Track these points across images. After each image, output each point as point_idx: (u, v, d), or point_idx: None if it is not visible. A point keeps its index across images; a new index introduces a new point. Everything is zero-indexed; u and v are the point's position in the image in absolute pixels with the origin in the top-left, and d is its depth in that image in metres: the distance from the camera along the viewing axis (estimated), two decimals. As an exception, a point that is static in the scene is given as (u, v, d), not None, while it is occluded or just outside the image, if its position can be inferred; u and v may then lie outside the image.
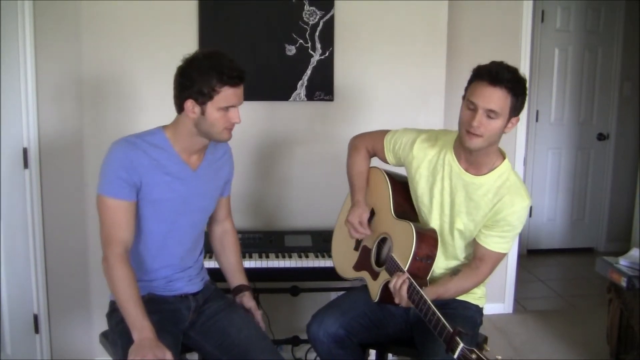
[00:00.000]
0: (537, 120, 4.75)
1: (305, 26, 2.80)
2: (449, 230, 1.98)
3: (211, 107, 1.77)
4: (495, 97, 1.74)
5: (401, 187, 2.09)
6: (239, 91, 1.79)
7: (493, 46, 3.44)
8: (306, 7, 2.78)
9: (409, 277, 1.79)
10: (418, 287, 1.75)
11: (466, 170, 1.92)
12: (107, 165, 1.79)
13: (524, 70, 3.49)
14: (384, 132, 2.13)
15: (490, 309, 3.56)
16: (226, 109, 1.78)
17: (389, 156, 2.11)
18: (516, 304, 3.78)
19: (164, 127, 1.89)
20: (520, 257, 3.84)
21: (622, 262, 2.73)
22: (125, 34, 2.70)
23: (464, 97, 1.85)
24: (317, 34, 2.81)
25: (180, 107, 1.81)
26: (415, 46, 2.92)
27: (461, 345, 1.54)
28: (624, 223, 4.58)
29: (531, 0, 3.46)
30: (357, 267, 2.14)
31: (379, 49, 2.90)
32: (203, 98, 1.76)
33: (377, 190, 2.14)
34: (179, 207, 1.89)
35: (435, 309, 1.68)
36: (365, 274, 2.08)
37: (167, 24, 2.73)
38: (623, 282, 2.64)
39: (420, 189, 2.01)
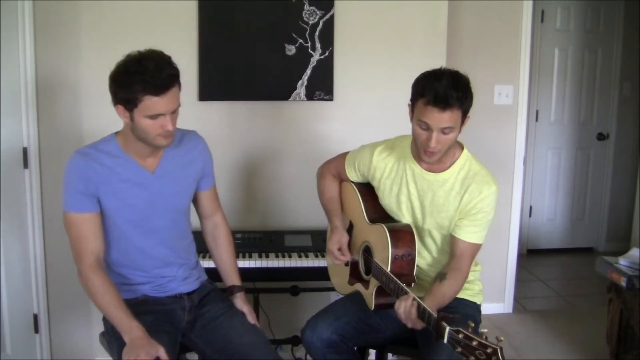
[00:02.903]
0: (537, 120, 4.75)
1: (305, 26, 2.80)
2: (427, 231, 1.99)
3: (138, 115, 1.70)
4: (447, 118, 1.76)
5: (372, 194, 2.11)
6: (165, 99, 1.68)
7: (493, 46, 3.44)
8: (306, 6, 2.78)
9: (415, 297, 1.73)
10: (422, 303, 1.72)
11: (428, 170, 1.94)
12: (65, 181, 1.79)
13: (524, 70, 3.50)
14: (344, 155, 2.19)
15: (490, 308, 3.56)
16: (155, 116, 1.70)
17: (352, 175, 2.15)
18: (516, 303, 3.78)
19: (117, 133, 1.86)
20: (520, 256, 3.84)
21: (622, 261, 2.73)
22: (124, 34, 2.69)
23: (412, 109, 1.85)
24: (317, 33, 2.81)
25: (116, 112, 1.77)
26: (415, 46, 2.92)
27: (447, 328, 1.55)
28: (624, 223, 4.58)
29: (531, 0, 3.45)
30: (351, 281, 2.15)
31: (379, 48, 2.90)
32: (129, 105, 1.70)
33: (350, 203, 2.18)
34: (145, 211, 1.86)
35: (419, 300, 1.68)
36: (358, 286, 2.09)
37: (167, 24, 2.73)
38: (623, 282, 2.63)
39: (387, 198, 2.04)
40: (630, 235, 3.76)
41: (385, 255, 1.88)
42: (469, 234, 1.91)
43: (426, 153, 1.84)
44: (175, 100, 1.73)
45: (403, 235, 1.91)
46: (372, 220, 2.04)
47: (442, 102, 1.73)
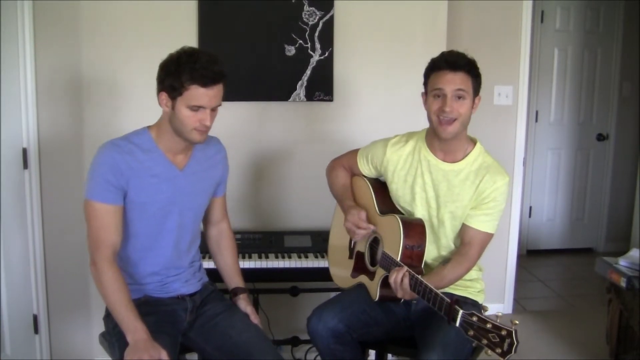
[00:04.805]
0: (536, 121, 4.76)
1: (304, 26, 2.80)
2: (439, 222, 2.01)
3: (180, 104, 1.74)
4: (458, 80, 1.87)
5: (383, 187, 2.14)
6: (210, 92, 1.74)
7: (493, 46, 3.44)
8: (306, 7, 2.78)
9: (409, 269, 1.79)
10: (415, 274, 1.78)
11: (443, 160, 2.00)
12: (94, 170, 1.79)
13: (524, 70, 3.50)
14: (355, 151, 2.23)
15: (489, 309, 3.55)
16: (196, 108, 1.75)
17: (365, 169, 2.18)
18: (516, 304, 3.79)
19: (150, 126, 1.89)
20: (519, 257, 3.84)
21: (622, 262, 2.73)
22: (124, 34, 2.69)
23: (424, 93, 1.96)
24: (316, 34, 2.81)
25: (158, 100, 1.80)
26: (415, 46, 2.92)
27: (461, 311, 1.56)
28: (624, 223, 4.58)
29: (531, 1, 3.46)
30: (355, 273, 2.16)
31: (379, 49, 2.90)
32: (173, 93, 1.74)
33: (361, 195, 2.19)
34: (166, 207, 1.88)
35: (431, 287, 1.71)
36: (362, 278, 2.10)
37: (166, 24, 2.72)
38: (622, 283, 2.63)
39: (401, 190, 2.06)
40: (630, 236, 3.76)
41: (396, 245, 1.89)
42: (480, 223, 1.96)
43: (442, 124, 1.89)
44: (218, 97, 1.78)
45: (415, 226, 1.93)
46: (383, 212, 2.05)
47: (452, 64, 1.87)
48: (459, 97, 1.88)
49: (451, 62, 1.88)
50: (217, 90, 1.76)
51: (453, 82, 1.87)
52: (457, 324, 1.56)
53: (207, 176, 1.99)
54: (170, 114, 1.78)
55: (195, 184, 1.93)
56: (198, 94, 1.73)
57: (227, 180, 2.13)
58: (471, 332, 1.52)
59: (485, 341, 1.48)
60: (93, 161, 1.80)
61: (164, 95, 1.77)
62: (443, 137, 1.92)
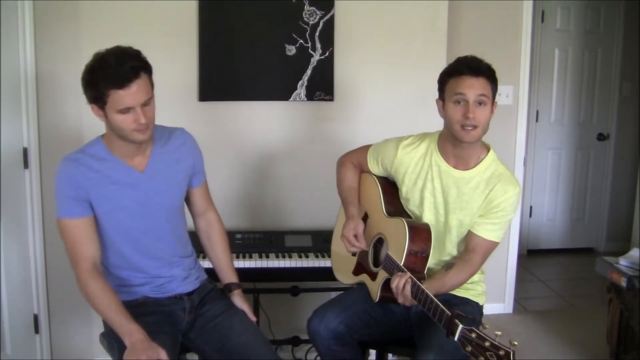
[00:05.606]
0: (537, 120, 4.75)
1: (305, 26, 2.79)
2: (446, 228, 2.00)
3: (109, 111, 1.69)
4: (481, 85, 1.85)
5: (392, 188, 2.13)
6: (132, 91, 1.66)
7: (493, 46, 3.44)
8: (306, 7, 2.78)
9: (411, 276, 1.78)
10: (417, 281, 1.77)
11: (455, 167, 1.97)
12: (56, 188, 1.78)
13: (524, 70, 3.50)
14: (367, 147, 2.20)
15: (490, 309, 3.55)
16: (125, 110, 1.68)
17: (374, 167, 2.16)
18: (516, 304, 3.78)
19: (103, 135, 1.86)
20: (520, 257, 3.84)
21: (622, 262, 2.73)
22: (125, 34, 2.68)
23: (442, 98, 1.92)
24: (317, 34, 2.81)
25: (93, 112, 1.76)
26: (415, 46, 2.92)
27: (460, 326, 1.55)
28: (624, 223, 4.58)
29: (531, 0, 3.45)
30: (356, 271, 2.15)
31: (379, 48, 2.90)
32: (99, 102, 1.69)
33: (369, 194, 2.18)
34: (136, 211, 1.85)
35: (433, 297, 1.70)
36: (364, 277, 2.10)
37: (167, 24, 2.73)
38: (623, 282, 2.63)
39: (410, 193, 2.05)
40: (631, 236, 3.76)
41: (400, 249, 1.88)
42: (486, 231, 1.95)
43: (464, 129, 1.86)
44: (142, 92, 1.70)
45: (421, 231, 1.92)
46: (390, 214, 2.04)
47: (474, 69, 1.85)
48: (480, 103, 1.84)
49: (473, 67, 1.85)
50: (137, 86, 1.68)
51: (476, 87, 1.84)
52: (456, 338, 1.56)
53: (175, 171, 1.94)
54: (107, 122, 1.75)
55: (162, 182, 1.89)
56: (119, 97, 1.66)
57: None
58: (469, 348, 1.51)
59: (482, 359, 1.48)
60: (54, 180, 1.79)
61: (94, 107, 1.73)
62: (466, 141, 1.88)
